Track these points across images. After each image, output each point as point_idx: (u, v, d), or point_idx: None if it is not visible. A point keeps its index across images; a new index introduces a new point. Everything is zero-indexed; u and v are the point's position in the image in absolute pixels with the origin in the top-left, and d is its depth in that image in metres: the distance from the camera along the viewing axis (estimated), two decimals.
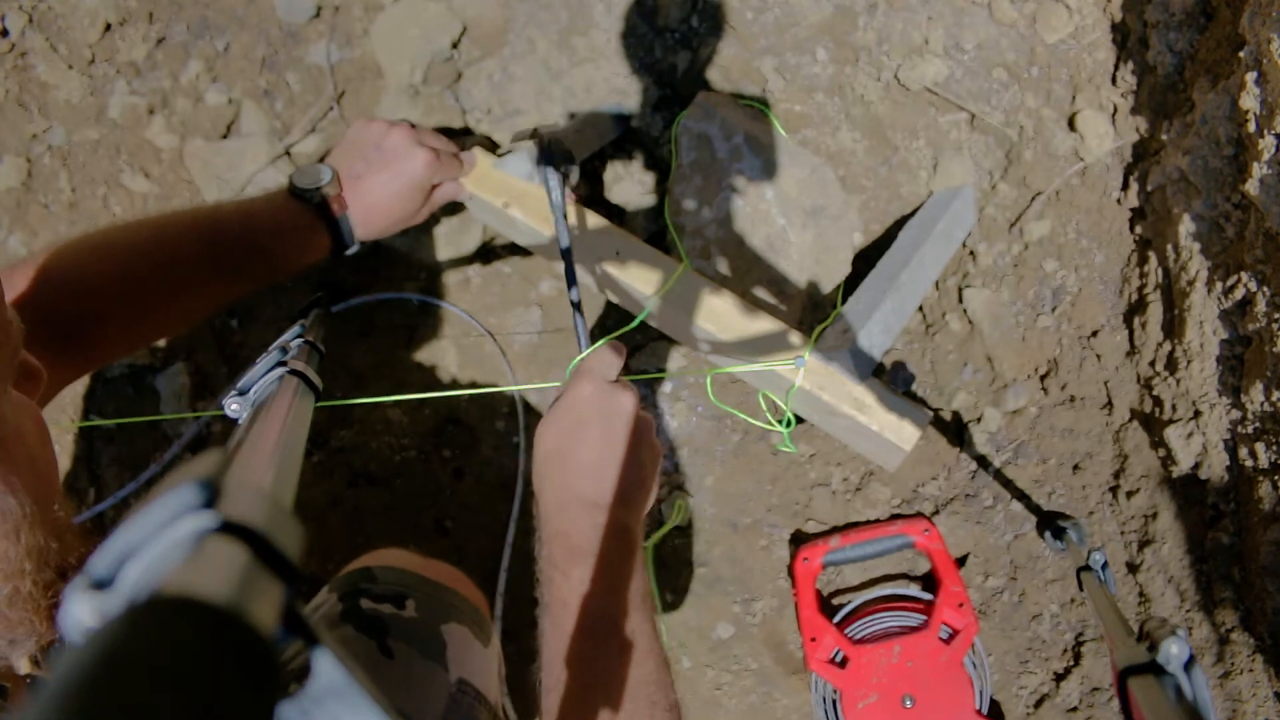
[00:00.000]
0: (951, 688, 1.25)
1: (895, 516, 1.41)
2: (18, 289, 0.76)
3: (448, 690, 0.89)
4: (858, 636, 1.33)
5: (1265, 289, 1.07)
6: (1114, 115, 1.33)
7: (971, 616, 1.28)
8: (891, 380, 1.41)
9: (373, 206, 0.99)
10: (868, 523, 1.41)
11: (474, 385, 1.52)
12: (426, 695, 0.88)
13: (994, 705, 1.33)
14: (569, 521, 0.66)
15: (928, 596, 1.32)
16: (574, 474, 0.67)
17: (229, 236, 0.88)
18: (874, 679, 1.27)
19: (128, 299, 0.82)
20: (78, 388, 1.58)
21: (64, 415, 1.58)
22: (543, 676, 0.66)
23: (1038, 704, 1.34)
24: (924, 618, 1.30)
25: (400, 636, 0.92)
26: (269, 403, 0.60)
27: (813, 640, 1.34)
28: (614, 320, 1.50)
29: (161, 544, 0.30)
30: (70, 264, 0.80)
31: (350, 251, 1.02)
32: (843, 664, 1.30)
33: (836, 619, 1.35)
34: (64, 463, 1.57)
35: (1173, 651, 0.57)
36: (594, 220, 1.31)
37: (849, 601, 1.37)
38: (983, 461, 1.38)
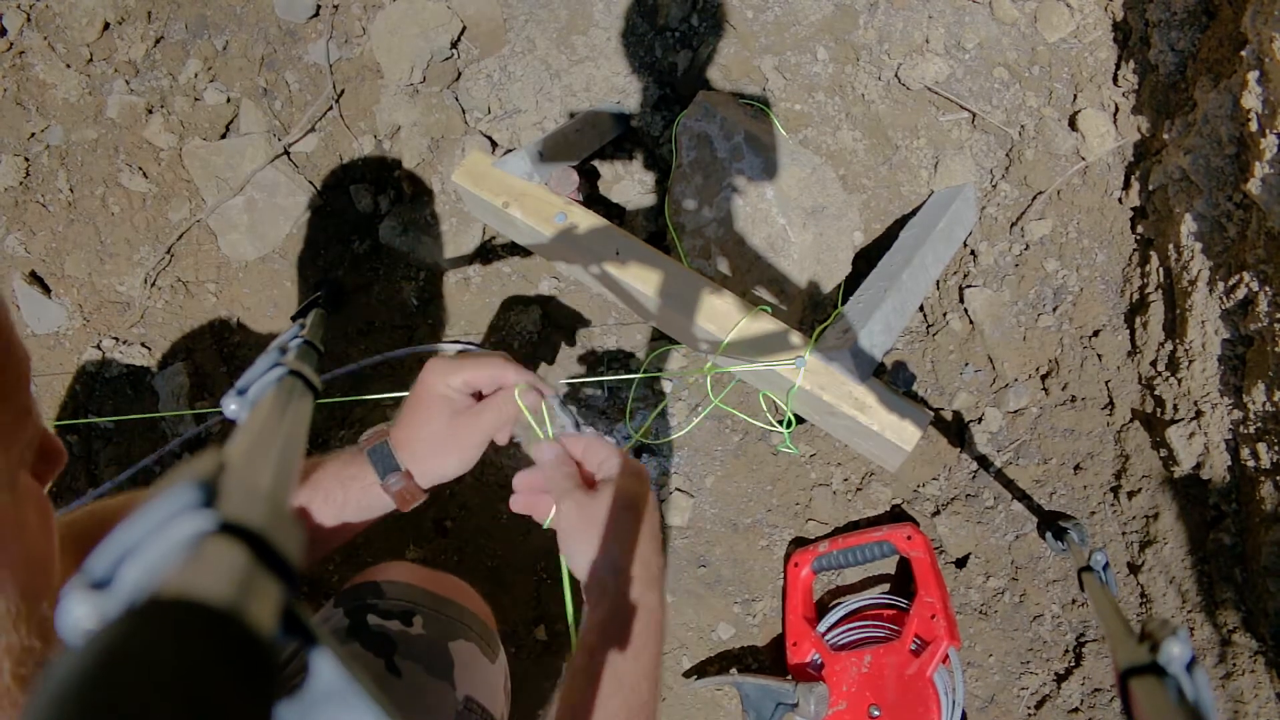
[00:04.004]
0: (916, 701, 1.22)
1: (891, 518, 1.40)
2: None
3: (454, 709, 0.89)
4: (836, 644, 1.32)
5: (1267, 289, 1.07)
6: (1115, 114, 1.33)
7: (944, 629, 1.23)
8: (892, 380, 1.40)
9: (408, 428, 0.88)
10: (859, 526, 1.40)
11: None
12: (433, 714, 0.88)
13: None
14: (639, 587, 0.76)
15: (905, 604, 1.30)
16: (651, 548, 0.79)
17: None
18: (845, 687, 1.26)
19: None
20: (77, 387, 1.58)
21: (62, 414, 1.58)
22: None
23: (1039, 705, 1.33)
24: (898, 628, 1.28)
25: (408, 654, 0.91)
26: (267, 403, 0.59)
27: (794, 645, 1.34)
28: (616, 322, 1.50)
29: (160, 544, 0.30)
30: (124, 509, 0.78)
31: (398, 478, 0.87)
32: (820, 669, 1.30)
33: (821, 625, 1.34)
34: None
35: (1174, 652, 0.57)
36: (594, 220, 1.31)
37: (840, 604, 1.37)
38: (984, 461, 1.37)
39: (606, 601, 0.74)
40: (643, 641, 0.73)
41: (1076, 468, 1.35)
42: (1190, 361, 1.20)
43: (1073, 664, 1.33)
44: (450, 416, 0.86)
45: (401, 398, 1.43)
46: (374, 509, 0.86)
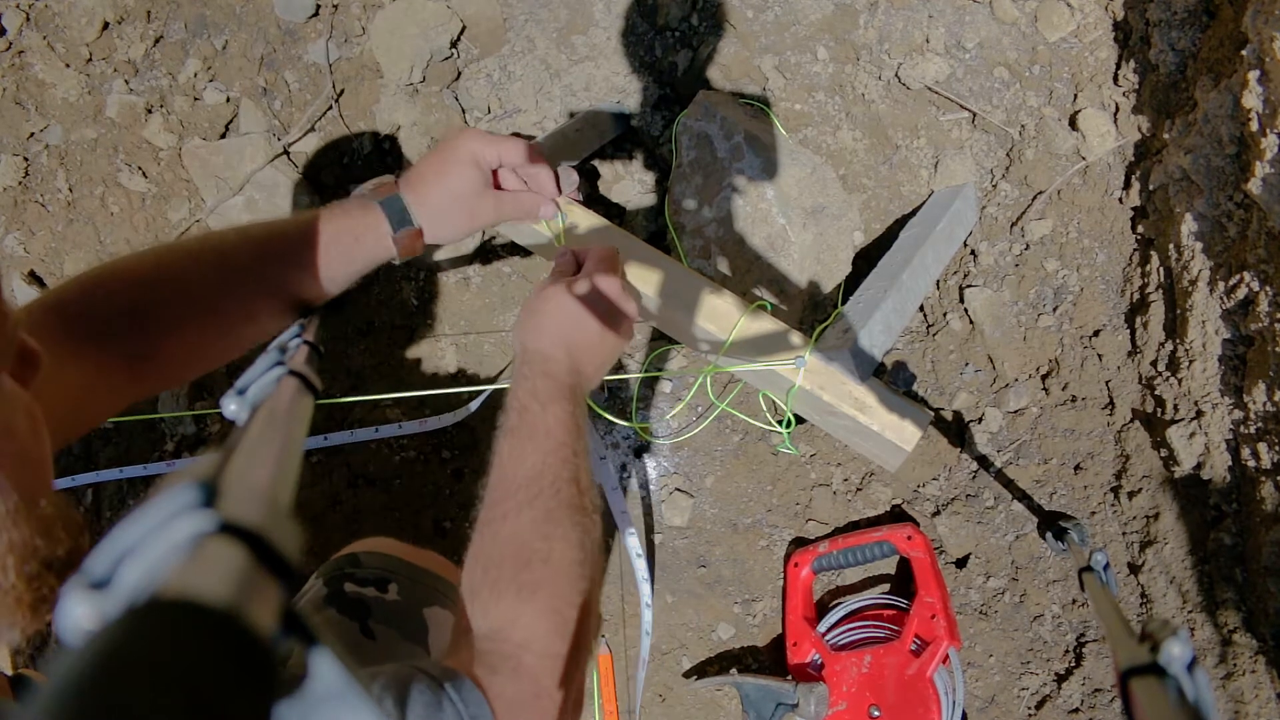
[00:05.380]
0: (917, 702, 1.22)
1: (891, 518, 1.40)
2: (75, 299, 0.77)
3: None
4: (836, 644, 1.32)
5: (1268, 288, 1.07)
6: (1116, 114, 1.33)
7: (944, 629, 1.23)
8: (892, 380, 1.40)
9: (425, 184, 0.91)
10: (859, 526, 1.40)
11: (474, 385, 1.52)
12: None
13: None
14: (559, 367, 0.80)
15: (905, 604, 1.30)
16: (581, 338, 0.82)
17: (281, 235, 0.87)
18: (845, 687, 1.26)
19: (186, 302, 0.81)
20: None
21: None
22: (492, 490, 0.75)
23: (1039, 705, 1.33)
24: (898, 628, 1.28)
25: (382, 619, 0.94)
26: (267, 403, 0.60)
27: (794, 645, 1.34)
28: None
29: (160, 544, 0.30)
30: (127, 270, 0.80)
31: (407, 232, 0.91)
32: (820, 670, 1.30)
33: (821, 625, 1.34)
34: (64, 462, 1.57)
35: (1174, 653, 0.57)
36: (594, 220, 1.31)
37: (840, 604, 1.37)
38: (984, 462, 1.38)
39: (523, 368, 0.81)
40: (550, 396, 0.78)
41: (1077, 468, 1.35)
42: (1190, 361, 1.20)
43: (1073, 664, 1.33)
44: (473, 187, 0.92)
45: (401, 398, 1.43)
46: (374, 259, 0.89)
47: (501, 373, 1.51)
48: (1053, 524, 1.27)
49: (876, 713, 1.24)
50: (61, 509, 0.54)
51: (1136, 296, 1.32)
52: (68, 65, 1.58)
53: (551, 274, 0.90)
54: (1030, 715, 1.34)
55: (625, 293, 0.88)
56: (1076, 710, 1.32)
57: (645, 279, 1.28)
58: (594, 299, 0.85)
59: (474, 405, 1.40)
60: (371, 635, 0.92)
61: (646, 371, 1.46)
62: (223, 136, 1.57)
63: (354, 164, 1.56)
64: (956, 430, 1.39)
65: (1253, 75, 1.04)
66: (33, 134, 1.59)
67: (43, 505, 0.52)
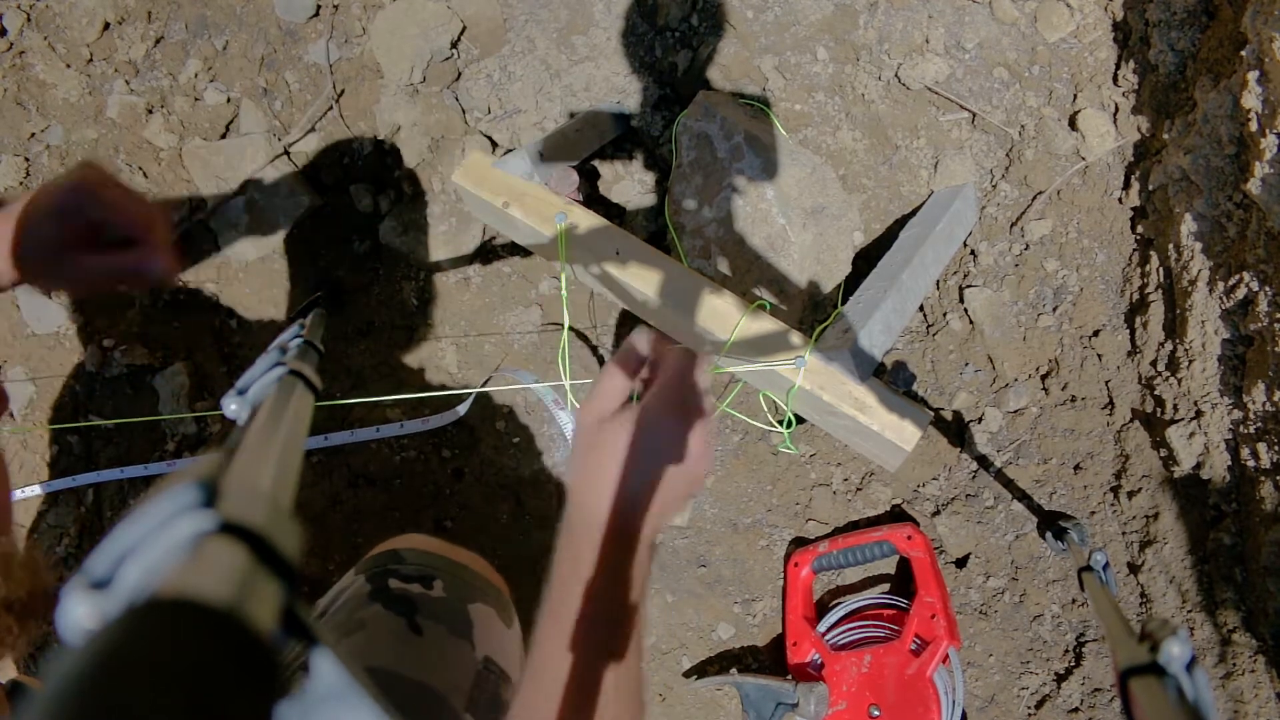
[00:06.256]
0: (916, 701, 1.23)
1: (891, 518, 1.40)
2: None
3: (475, 668, 0.91)
4: (836, 644, 1.32)
5: (1267, 288, 1.07)
6: (1115, 114, 1.33)
7: (944, 629, 1.23)
8: (892, 380, 1.40)
9: (9, 220, 0.72)
10: (859, 526, 1.40)
11: (473, 385, 1.52)
12: (455, 671, 0.89)
13: None
14: (606, 517, 0.67)
15: (905, 604, 1.30)
16: (645, 480, 0.66)
17: None
18: (845, 687, 1.27)
19: None
20: (77, 387, 1.58)
21: (62, 414, 1.58)
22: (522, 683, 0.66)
23: (1039, 705, 1.33)
24: (898, 628, 1.29)
25: (429, 615, 0.93)
26: (268, 403, 0.60)
27: (794, 645, 1.34)
28: (611, 319, 1.50)
29: (160, 544, 0.30)
30: None
31: None
32: (820, 669, 1.30)
33: (821, 625, 1.34)
34: (64, 463, 1.57)
35: (1174, 652, 0.57)
36: (594, 220, 1.31)
37: (840, 604, 1.37)
38: (984, 461, 1.38)
39: (566, 520, 0.69)
40: (592, 560, 0.66)
41: (1076, 468, 1.35)
42: (1190, 361, 1.20)
43: (1073, 664, 1.33)
44: (40, 245, 0.70)
45: (402, 400, 1.43)
46: None
47: (498, 368, 1.51)
48: (1052, 524, 1.27)
49: (876, 712, 1.24)
50: (18, 551, 0.53)
51: (1136, 296, 1.32)
52: (68, 66, 1.58)
53: (606, 384, 0.69)
54: (1030, 715, 1.34)
55: (708, 418, 0.67)
56: (1076, 710, 1.32)
57: (645, 279, 1.28)
58: (667, 429, 0.65)
59: (462, 409, 1.40)
60: (419, 631, 0.91)
61: None
62: (223, 137, 1.57)
63: (354, 164, 1.56)
64: (956, 430, 1.39)
65: (1252, 75, 1.04)
66: (34, 134, 1.59)
67: (1, 543, 0.51)
